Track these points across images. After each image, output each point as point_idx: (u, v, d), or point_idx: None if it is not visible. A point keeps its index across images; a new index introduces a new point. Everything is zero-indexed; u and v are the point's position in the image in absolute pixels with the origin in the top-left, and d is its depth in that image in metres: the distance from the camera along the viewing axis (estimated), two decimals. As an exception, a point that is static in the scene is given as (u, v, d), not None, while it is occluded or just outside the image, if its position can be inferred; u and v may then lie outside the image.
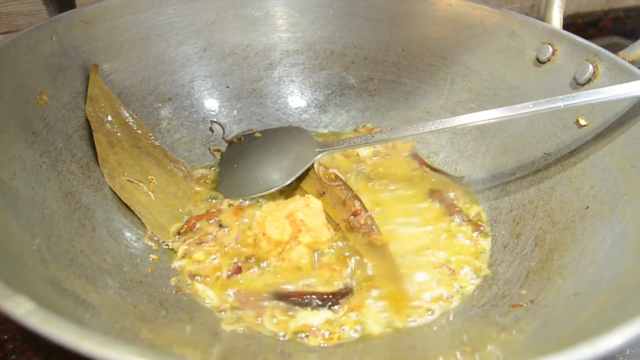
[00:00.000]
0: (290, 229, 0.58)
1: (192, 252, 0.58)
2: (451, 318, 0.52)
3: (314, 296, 0.53)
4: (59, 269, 0.43)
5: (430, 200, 0.67)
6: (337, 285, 0.55)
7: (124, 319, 0.43)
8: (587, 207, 0.55)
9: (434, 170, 0.73)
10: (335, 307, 0.53)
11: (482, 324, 0.49)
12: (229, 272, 0.56)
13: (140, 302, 0.48)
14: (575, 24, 1.33)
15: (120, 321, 0.41)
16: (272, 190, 0.66)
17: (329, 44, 0.80)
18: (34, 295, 0.33)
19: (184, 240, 0.60)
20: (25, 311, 0.27)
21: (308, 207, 0.59)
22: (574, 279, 0.48)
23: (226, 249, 0.59)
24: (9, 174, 0.48)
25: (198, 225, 0.62)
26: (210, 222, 0.63)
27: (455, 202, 0.67)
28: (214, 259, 0.58)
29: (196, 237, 0.60)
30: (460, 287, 0.56)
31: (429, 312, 0.53)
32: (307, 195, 0.63)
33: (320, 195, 0.66)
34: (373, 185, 0.70)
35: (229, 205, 0.65)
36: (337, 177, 0.67)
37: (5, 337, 0.55)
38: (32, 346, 0.54)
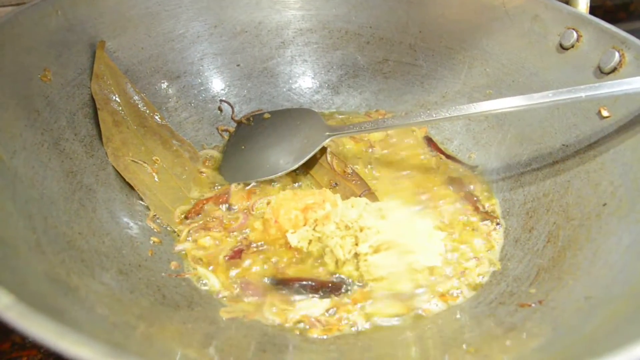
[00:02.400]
0: (303, 222, 0.56)
1: (197, 237, 0.58)
2: (457, 315, 0.50)
3: (311, 282, 0.53)
4: (54, 252, 0.43)
5: (449, 188, 0.66)
6: (337, 279, 0.54)
7: (118, 307, 0.42)
8: (605, 204, 0.52)
9: (448, 157, 0.71)
10: (334, 298, 0.51)
11: (488, 323, 0.47)
12: (228, 257, 0.55)
13: (137, 287, 0.48)
14: (604, 6, 1.27)
15: (113, 311, 0.40)
16: (279, 174, 0.65)
17: (343, 23, 0.78)
18: (22, 284, 0.33)
19: (190, 224, 0.59)
20: (2, 305, 0.26)
21: (324, 204, 0.57)
22: (586, 281, 0.46)
23: (232, 233, 0.58)
24: (8, 153, 0.47)
25: (206, 208, 0.61)
26: (218, 206, 0.62)
27: (473, 191, 0.65)
28: (218, 243, 0.57)
29: (201, 221, 0.59)
30: (469, 282, 0.54)
31: (435, 307, 0.51)
32: (324, 189, 0.61)
33: (332, 187, 0.64)
34: (386, 170, 0.68)
35: (238, 188, 0.64)
36: (353, 171, 0.65)
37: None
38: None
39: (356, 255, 0.53)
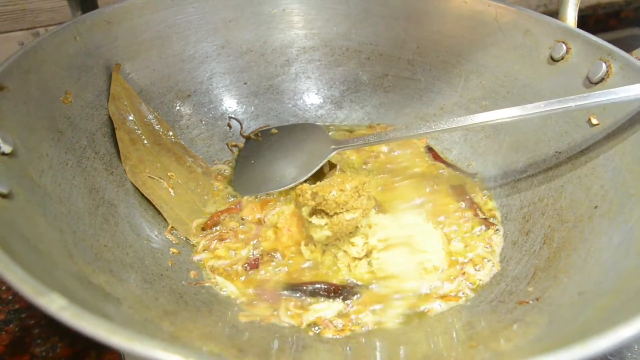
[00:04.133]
0: None
1: (213, 248, 0.61)
2: (460, 314, 0.53)
3: (324, 286, 0.56)
4: (85, 263, 0.46)
5: (451, 195, 0.69)
6: (349, 282, 0.57)
7: (146, 311, 0.45)
8: (596, 207, 0.56)
9: (448, 165, 0.74)
10: (346, 300, 0.55)
11: (489, 320, 0.50)
12: (247, 266, 0.58)
13: (161, 294, 0.51)
14: (595, 14, 1.31)
15: (142, 314, 0.44)
16: (287, 187, 0.68)
17: (344, 41, 0.82)
18: (63, 290, 0.36)
19: (206, 236, 0.62)
20: (58, 307, 0.30)
21: None
22: (580, 278, 0.49)
23: (246, 243, 0.61)
24: (37, 172, 0.50)
25: (221, 220, 0.64)
26: (232, 217, 0.65)
27: (473, 197, 0.69)
28: (234, 254, 0.60)
29: (217, 233, 0.62)
30: (471, 283, 0.57)
31: (438, 307, 0.55)
32: None
33: None
34: (390, 179, 0.71)
35: (250, 200, 0.67)
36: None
37: (32, 322, 0.58)
38: (57, 331, 0.57)
39: (368, 254, 0.56)
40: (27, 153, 0.50)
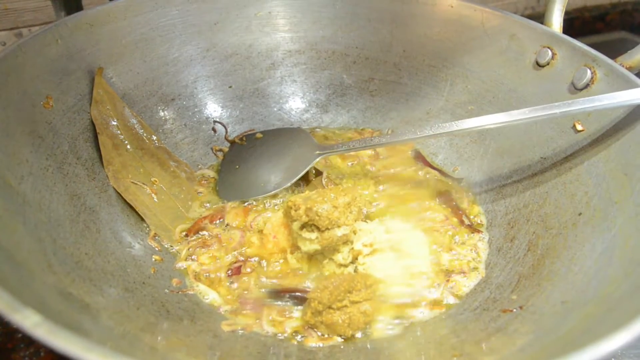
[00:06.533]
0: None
1: (196, 254, 0.60)
2: (444, 322, 0.53)
3: (305, 294, 0.55)
4: (64, 273, 0.45)
5: (437, 201, 0.69)
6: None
7: (126, 323, 0.44)
8: (580, 214, 0.56)
9: (436, 170, 0.74)
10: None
11: (473, 328, 0.50)
12: (229, 273, 0.58)
13: (143, 303, 0.50)
14: (582, 17, 1.32)
15: (122, 325, 0.43)
16: (272, 193, 0.67)
17: (330, 44, 0.81)
18: (40, 303, 0.35)
19: (189, 242, 0.62)
20: (32, 323, 0.29)
21: None
22: (563, 286, 0.49)
23: (230, 250, 0.61)
24: (16, 179, 0.49)
25: (204, 226, 0.64)
26: (215, 223, 0.64)
27: (459, 203, 0.69)
28: (217, 260, 0.59)
29: (200, 239, 0.62)
30: (455, 290, 0.57)
31: (421, 315, 0.54)
32: None
33: None
34: (376, 185, 0.71)
35: (234, 206, 0.67)
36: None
37: (14, 327, 0.57)
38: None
39: (354, 260, 0.56)
40: (6, 159, 0.50)
